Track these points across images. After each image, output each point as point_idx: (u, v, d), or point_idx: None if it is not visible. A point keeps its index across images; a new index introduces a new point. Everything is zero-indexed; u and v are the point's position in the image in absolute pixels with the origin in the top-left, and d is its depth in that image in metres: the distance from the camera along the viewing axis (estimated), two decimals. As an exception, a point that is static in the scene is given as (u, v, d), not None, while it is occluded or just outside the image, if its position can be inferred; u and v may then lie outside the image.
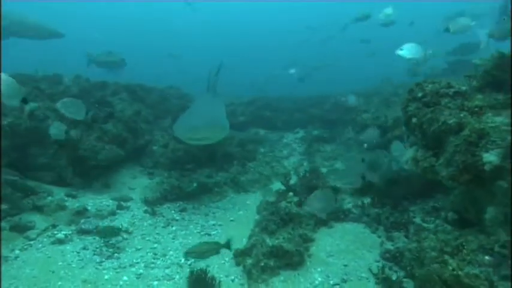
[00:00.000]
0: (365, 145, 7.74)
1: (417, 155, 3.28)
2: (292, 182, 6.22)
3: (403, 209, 5.12)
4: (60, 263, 4.09)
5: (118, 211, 5.70)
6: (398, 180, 5.45)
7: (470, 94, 3.08)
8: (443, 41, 8.39)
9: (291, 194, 5.70)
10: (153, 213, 5.76)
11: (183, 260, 4.41)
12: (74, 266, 4.07)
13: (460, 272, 2.24)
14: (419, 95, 3.34)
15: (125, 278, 3.94)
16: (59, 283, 3.71)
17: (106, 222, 5.22)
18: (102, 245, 4.58)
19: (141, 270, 4.11)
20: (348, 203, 5.83)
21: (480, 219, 2.81)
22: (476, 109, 2.88)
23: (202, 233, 5.27)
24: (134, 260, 4.31)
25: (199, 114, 4.80)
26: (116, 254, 4.43)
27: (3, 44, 7.92)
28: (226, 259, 4.44)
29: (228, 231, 5.33)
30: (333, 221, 5.23)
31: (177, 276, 4.03)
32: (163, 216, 5.74)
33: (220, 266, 4.28)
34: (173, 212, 5.99)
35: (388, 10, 6.94)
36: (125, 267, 4.15)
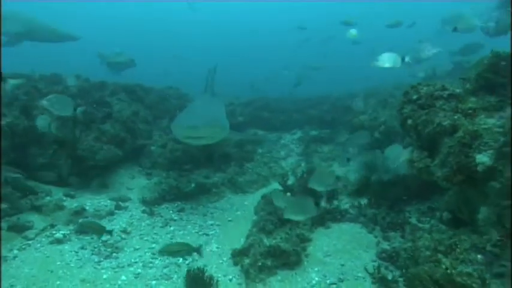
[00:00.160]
0: (350, 149, 7.90)
1: (413, 156, 3.33)
2: (289, 182, 6.26)
3: (399, 210, 5.18)
4: (58, 263, 4.11)
5: (116, 211, 5.72)
6: (395, 181, 5.51)
7: (464, 96, 3.14)
8: (444, 41, 8.43)
9: (288, 194, 5.74)
10: (151, 214, 5.78)
11: (181, 259, 4.44)
12: (72, 265, 4.09)
13: (453, 271, 2.29)
14: (415, 97, 3.40)
15: (123, 277, 3.96)
16: (58, 282, 3.73)
17: (104, 222, 5.23)
18: (100, 244, 4.60)
19: (139, 270, 4.13)
20: (345, 203, 5.88)
21: (473, 219, 2.86)
22: (469, 111, 2.94)
23: (200, 233, 5.30)
24: (132, 260, 4.34)
25: (199, 113, 4.68)
26: (114, 254, 4.45)
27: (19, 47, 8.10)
28: (224, 259, 4.48)
29: (226, 231, 5.37)
30: (330, 221, 5.28)
31: (175, 276, 4.06)
32: (162, 217, 5.76)
33: (218, 266, 4.32)
34: (171, 212, 6.02)
35: (353, 31, 7.86)
36: (123, 267, 4.17)
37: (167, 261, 4.39)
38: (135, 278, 3.98)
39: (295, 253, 4.22)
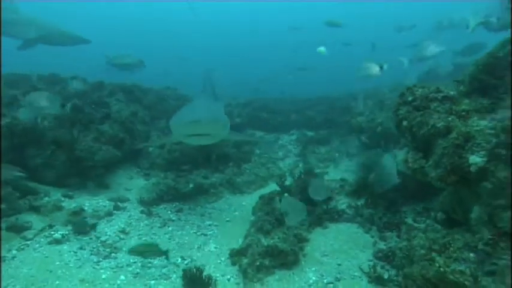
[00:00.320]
0: (336, 154, 8.03)
1: (408, 157, 3.39)
2: (287, 183, 6.31)
3: (396, 210, 5.24)
4: (57, 263, 4.13)
5: (115, 211, 5.74)
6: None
7: (458, 99, 3.21)
8: (447, 41, 8.45)
9: (286, 194, 5.79)
10: (150, 214, 5.81)
11: (179, 259, 4.47)
12: (71, 265, 4.11)
13: (446, 269, 2.35)
14: (410, 99, 3.46)
15: (122, 277, 3.99)
16: (57, 282, 3.75)
17: (103, 223, 5.26)
18: (99, 245, 4.63)
19: (138, 270, 4.16)
20: (342, 203, 5.94)
21: (467, 218, 2.92)
22: (463, 113, 3.00)
23: (198, 233, 5.34)
24: (131, 260, 4.36)
25: (199, 109, 4.44)
26: (113, 254, 4.48)
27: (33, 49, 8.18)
28: (222, 259, 4.52)
29: (224, 231, 5.41)
30: (327, 221, 5.34)
31: (174, 276, 4.09)
32: (160, 217, 5.79)
33: (216, 266, 4.36)
34: (169, 212, 6.05)
35: (322, 48, 8.42)
36: (122, 267, 4.20)
37: (166, 261, 4.42)
38: (134, 277, 4.01)
39: (293, 253, 4.27)
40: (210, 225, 5.64)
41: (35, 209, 5.18)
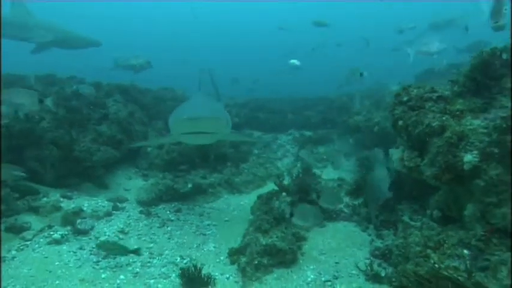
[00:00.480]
0: (324, 157, 8.11)
1: (403, 156, 3.45)
2: (285, 182, 6.35)
3: (392, 209, 5.30)
4: (57, 263, 4.15)
5: (114, 212, 5.75)
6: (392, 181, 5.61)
7: (452, 98, 3.27)
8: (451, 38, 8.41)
9: (284, 194, 5.83)
10: (149, 214, 5.84)
11: (178, 259, 4.51)
12: (71, 265, 4.13)
13: (440, 265, 2.40)
14: (405, 99, 3.52)
15: (122, 276, 4.01)
16: (57, 282, 3.77)
17: (102, 223, 5.28)
18: (98, 245, 4.64)
19: (137, 269, 4.19)
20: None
21: (461, 216, 2.98)
22: (457, 113, 3.07)
23: (197, 232, 5.37)
24: (130, 260, 4.39)
25: (200, 106, 4.19)
26: (112, 254, 4.49)
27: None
28: (221, 258, 4.56)
29: (223, 230, 5.44)
30: (325, 220, 5.38)
31: (173, 275, 4.12)
32: (159, 217, 5.81)
33: (215, 265, 4.39)
34: (168, 212, 6.07)
35: (294, 61, 8.90)
36: (121, 267, 4.22)
37: (165, 260, 4.46)
38: (134, 277, 4.04)
39: (291, 251, 4.31)
40: (208, 224, 5.67)
41: (34, 210, 5.19)
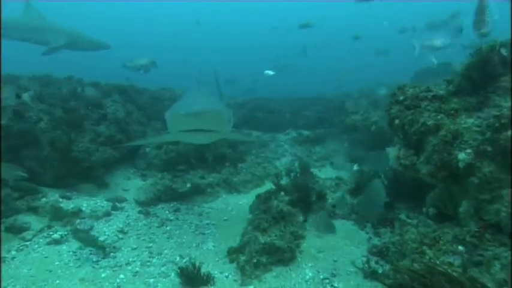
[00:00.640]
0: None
1: (400, 154, 3.50)
2: (283, 182, 6.39)
3: (390, 207, 5.36)
4: (57, 263, 4.17)
5: (113, 212, 5.77)
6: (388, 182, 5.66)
7: (447, 98, 3.32)
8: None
9: (282, 193, 5.88)
10: (148, 214, 5.86)
11: (178, 258, 4.54)
12: (71, 265, 4.15)
13: (436, 261, 2.45)
14: (401, 98, 3.57)
15: (122, 276, 4.04)
16: (57, 281, 3.79)
17: (101, 223, 5.30)
18: (98, 244, 4.67)
19: (137, 269, 4.21)
20: (338, 201, 6.04)
21: (457, 213, 3.04)
22: (452, 111, 3.12)
23: (196, 232, 5.40)
24: (130, 259, 4.41)
25: (199, 101, 3.79)
26: (112, 253, 4.52)
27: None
28: (221, 256, 4.59)
29: (222, 230, 5.48)
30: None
31: (173, 274, 4.14)
32: (158, 217, 5.84)
33: (215, 263, 4.42)
34: (167, 212, 6.10)
35: (268, 72, 8.56)
36: (121, 266, 4.24)
37: (164, 259, 4.49)
38: (134, 276, 4.06)
39: (290, 250, 4.35)
40: (207, 224, 5.70)
41: (33, 210, 5.20)
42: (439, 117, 3.15)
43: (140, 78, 9.85)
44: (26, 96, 5.06)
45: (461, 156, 2.70)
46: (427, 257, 2.55)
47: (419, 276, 2.07)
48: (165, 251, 4.70)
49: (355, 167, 6.72)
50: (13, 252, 4.31)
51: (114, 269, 4.17)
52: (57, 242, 4.62)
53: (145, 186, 6.80)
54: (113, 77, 9.97)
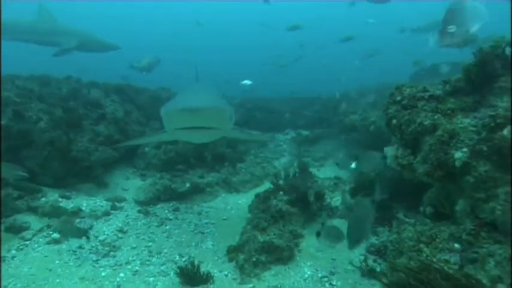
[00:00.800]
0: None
1: (397, 153, 3.54)
2: (282, 181, 6.42)
3: (388, 206, 5.39)
4: (57, 262, 4.19)
5: (112, 211, 5.79)
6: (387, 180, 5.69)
7: (443, 98, 3.36)
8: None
9: (281, 193, 5.91)
10: (147, 213, 5.88)
11: (177, 257, 4.56)
12: (71, 264, 4.18)
13: (432, 258, 2.50)
14: (398, 98, 3.61)
15: (122, 274, 4.07)
16: (57, 280, 3.82)
17: (101, 222, 5.32)
18: (97, 244, 4.69)
19: (137, 267, 4.24)
20: (336, 201, 6.09)
21: (453, 211, 3.08)
22: (448, 111, 3.16)
23: (195, 231, 5.43)
24: (130, 258, 4.44)
25: (198, 96, 3.57)
26: (111, 253, 4.55)
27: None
28: (220, 255, 4.63)
29: (221, 229, 5.51)
30: (321, 218, 5.47)
31: (172, 273, 4.17)
32: (157, 216, 5.86)
33: (214, 262, 4.46)
34: (166, 211, 6.12)
35: (246, 82, 9.13)
36: (121, 265, 4.27)
37: (164, 258, 4.52)
38: (133, 275, 4.09)
39: (288, 248, 4.39)
40: (207, 223, 5.73)
41: (33, 210, 5.22)
42: (435, 117, 3.19)
43: (140, 78, 9.88)
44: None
45: (458, 155, 2.74)
46: (424, 255, 2.59)
47: (416, 273, 2.11)
48: (165, 250, 4.73)
49: (353, 165, 6.73)
50: (13, 252, 4.33)
51: (114, 268, 4.20)
52: (56, 241, 4.64)
53: (145, 186, 6.82)
54: (110, 77, 9.98)
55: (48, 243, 4.63)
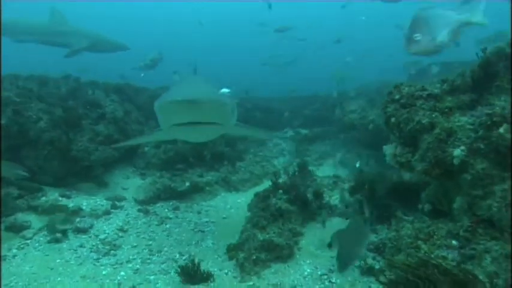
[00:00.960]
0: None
1: (396, 152, 3.58)
2: (281, 180, 6.45)
3: (387, 204, 5.42)
4: (58, 260, 4.22)
5: (112, 210, 5.82)
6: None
7: (441, 96, 3.39)
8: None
9: (280, 191, 5.93)
10: (147, 212, 5.91)
11: (178, 255, 4.59)
12: (72, 262, 4.20)
13: (430, 255, 2.53)
14: (397, 97, 3.64)
15: (122, 273, 4.09)
16: (59, 279, 3.84)
17: (101, 221, 5.35)
18: (98, 242, 4.72)
19: (137, 266, 4.27)
20: (335, 199, 6.11)
21: (451, 209, 3.11)
22: (446, 110, 3.19)
23: (195, 230, 5.46)
24: (131, 257, 4.47)
25: (196, 87, 3.14)
26: (112, 251, 4.57)
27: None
28: (220, 254, 4.65)
29: (221, 227, 5.54)
30: (320, 216, 5.49)
31: (173, 271, 4.20)
32: (157, 215, 5.89)
33: (214, 260, 4.48)
34: (166, 210, 6.15)
35: (225, 90, 8.91)
36: (122, 263, 4.30)
37: (164, 257, 4.54)
38: (134, 273, 4.11)
39: (288, 247, 4.41)
40: (207, 222, 5.76)
41: (33, 209, 5.24)
42: (433, 115, 3.22)
43: (139, 77, 9.90)
44: None
45: (455, 153, 2.77)
46: (422, 251, 2.62)
47: (413, 269, 2.14)
48: (165, 249, 4.76)
49: (357, 165, 6.78)
50: (14, 251, 4.35)
51: (115, 266, 4.23)
52: (57, 240, 4.66)
53: (145, 185, 6.85)
54: (109, 76, 10.00)
55: (49, 242, 4.65)
